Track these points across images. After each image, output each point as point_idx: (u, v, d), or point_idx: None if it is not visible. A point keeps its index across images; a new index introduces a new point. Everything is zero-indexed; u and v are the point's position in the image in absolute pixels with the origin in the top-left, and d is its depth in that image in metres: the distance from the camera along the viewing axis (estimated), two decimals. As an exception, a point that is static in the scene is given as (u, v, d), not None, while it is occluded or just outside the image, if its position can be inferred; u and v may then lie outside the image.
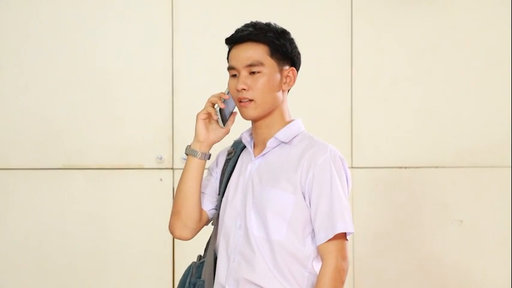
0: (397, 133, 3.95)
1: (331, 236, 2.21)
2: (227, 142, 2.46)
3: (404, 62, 3.96)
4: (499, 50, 3.97)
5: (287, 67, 2.33)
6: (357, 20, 3.94)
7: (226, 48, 2.37)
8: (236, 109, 2.37)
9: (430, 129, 3.95)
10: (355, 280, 3.91)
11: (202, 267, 2.39)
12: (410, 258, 3.93)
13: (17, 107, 3.83)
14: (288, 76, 2.33)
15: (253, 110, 2.29)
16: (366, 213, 3.89)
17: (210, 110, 2.34)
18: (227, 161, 2.43)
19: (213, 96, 2.35)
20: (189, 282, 2.38)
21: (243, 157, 2.40)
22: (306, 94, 3.82)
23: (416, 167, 3.95)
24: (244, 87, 2.28)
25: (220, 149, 2.49)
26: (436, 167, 3.95)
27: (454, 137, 3.96)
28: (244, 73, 2.29)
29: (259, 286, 2.25)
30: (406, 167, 3.95)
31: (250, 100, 2.28)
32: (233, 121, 2.38)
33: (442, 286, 3.95)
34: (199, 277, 2.38)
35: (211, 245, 2.39)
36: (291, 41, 2.34)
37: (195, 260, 2.43)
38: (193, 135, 2.37)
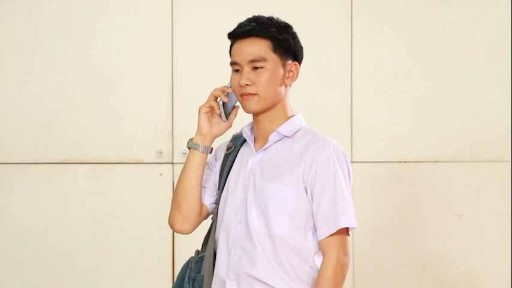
0: (397, 128, 3.95)
1: (333, 231, 2.22)
2: (227, 136, 2.45)
3: (404, 56, 3.96)
4: (499, 44, 3.97)
5: (290, 61, 2.33)
6: (357, 14, 3.93)
7: (226, 43, 2.37)
8: (238, 103, 2.36)
9: (430, 124, 3.95)
10: (355, 274, 3.92)
11: (201, 262, 2.39)
12: (410, 253, 3.93)
13: (17, 102, 3.82)
14: (291, 71, 2.33)
15: (255, 104, 2.29)
16: (365, 208, 3.90)
17: (213, 103, 2.33)
18: (226, 155, 2.42)
19: (215, 89, 2.34)
20: (189, 277, 2.38)
21: (243, 151, 2.39)
22: (306, 89, 3.82)
23: (416, 162, 3.95)
24: (248, 83, 2.28)
25: (220, 143, 2.48)
26: (436, 162, 3.96)
27: (454, 131, 3.96)
28: (247, 68, 2.28)
29: (260, 280, 2.25)
30: (406, 162, 3.95)
31: (254, 94, 2.28)
32: (235, 115, 2.38)
33: (442, 280, 3.95)
34: (199, 272, 2.37)
35: (211, 239, 2.38)
36: (294, 35, 2.34)
37: (193, 255, 2.42)
38: (195, 129, 2.36)
